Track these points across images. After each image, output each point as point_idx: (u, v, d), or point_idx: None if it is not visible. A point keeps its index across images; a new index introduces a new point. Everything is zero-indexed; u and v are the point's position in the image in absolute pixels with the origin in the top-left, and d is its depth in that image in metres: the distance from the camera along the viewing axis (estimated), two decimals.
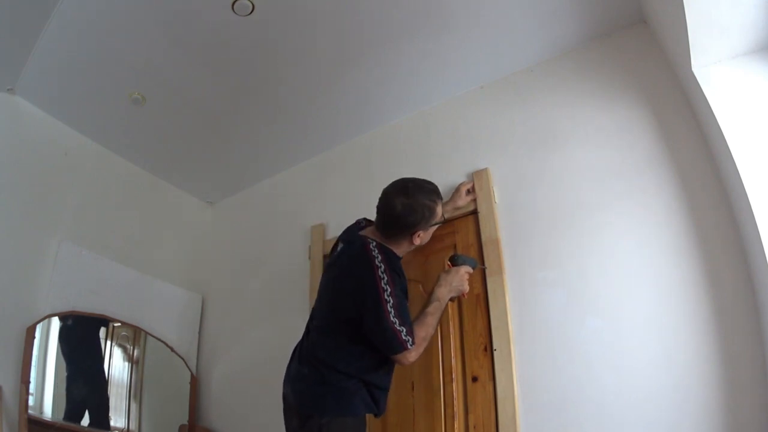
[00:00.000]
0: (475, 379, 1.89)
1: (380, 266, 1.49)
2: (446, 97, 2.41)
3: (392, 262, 1.56)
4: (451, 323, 2.02)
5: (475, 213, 2.11)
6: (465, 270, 1.69)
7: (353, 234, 1.69)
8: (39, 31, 1.99)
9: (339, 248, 1.71)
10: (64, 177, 2.46)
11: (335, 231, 2.48)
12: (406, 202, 1.57)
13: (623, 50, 2.01)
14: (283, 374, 1.64)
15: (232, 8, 1.91)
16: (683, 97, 1.80)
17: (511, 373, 1.80)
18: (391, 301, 1.45)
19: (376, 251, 1.53)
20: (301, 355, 1.59)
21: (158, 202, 2.94)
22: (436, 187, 1.66)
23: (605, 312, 1.72)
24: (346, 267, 1.60)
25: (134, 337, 2.52)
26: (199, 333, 2.86)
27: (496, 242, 2.00)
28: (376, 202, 2.39)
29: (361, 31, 2.06)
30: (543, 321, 1.83)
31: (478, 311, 1.97)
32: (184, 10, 1.93)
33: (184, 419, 2.56)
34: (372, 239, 1.60)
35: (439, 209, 1.64)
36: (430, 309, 1.57)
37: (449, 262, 1.73)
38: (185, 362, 2.68)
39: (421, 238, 1.63)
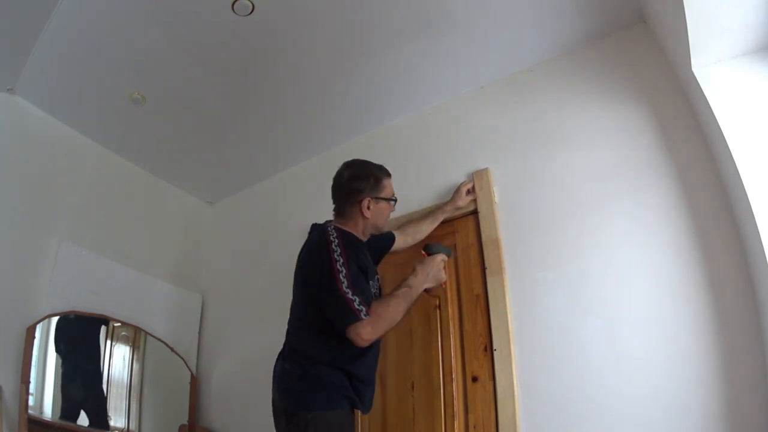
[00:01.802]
0: (475, 379, 1.89)
1: (334, 241, 1.51)
2: (446, 97, 2.41)
3: (350, 240, 1.57)
4: (451, 323, 2.02)
5: (475, 213, 2.11)
6: (441, 258, 1.62)
7: (315, 225, 1.72)
8: (39, 31, 1.99)
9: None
10: (64, 177, 2.46)
11: None
12: (352, 170, 1.70)
13: (623, 50, 2.01)
14: None
15: (232, 8, 1.91)
16: (683, 97, 1.80)
17: (511, 373, 1.80)
18: (344, 271, 1.44)
19: (333, 231, 1.56)
20: (284, 354, 1.59)
21: (158, 202, 2.95)
22: (385, 168, 1.74)
23: (605, 312, 1.72)
24: (305, 256, 1.62)
25: (134, 337, 2.52)
26: (199, 333, 2.86)
27: (496, 242, 2.00)
28: None
29: (362, 31, 2.06)
30: (543, 321, 1.83)
31: (478, 311, 1.97)
32: (184, 10, 1.93)
33: (184, 419, 2.56)
34: (330, 223, 1.64)
35: (387, 183, 1.71)
36: (398, 292, 1.50)
37: (424, 252, 1.66)
38: (185, 362, 2.68)
39: (372, 211, 1.66)
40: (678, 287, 1.63)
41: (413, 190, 2.32)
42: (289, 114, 2.51)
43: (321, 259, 1.50)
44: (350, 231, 1.64)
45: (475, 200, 2.11)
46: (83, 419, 2.21)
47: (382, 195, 1.69)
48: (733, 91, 1.52)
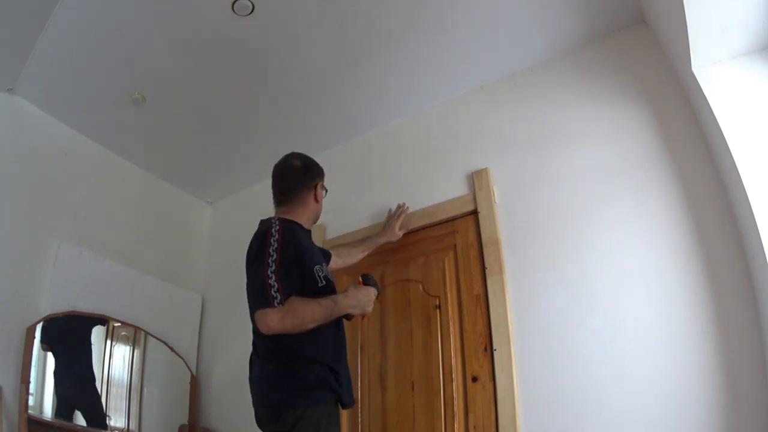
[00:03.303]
0: (475, 379, 1.89)
1: (275, 235, 1.50)
2: (446, 97, 2.41)
3: (292, 231, 1.55)
4: (451, 323, 2.02)
5: (475, 213, 2.11)
6: (374, 291, 1.63)
7: (263, 221, 1.67)
8: (39, 31, 1.99)
9: None
10: (64, 177, 2.46)
11: (335, 231, 2.48)
12: (303, 158, 1.76)
13: (623, 50, 2.01)
14: None
15: (232, 8, 1.91)
16: (683, 97, 1.80)
17: (511, 373, 1.80)
18: (275, 256, 1.45)
19: (277, 224, 1.54)
20: (259, 356, 1.56)
21: (158, 202, 2.95)
22: None
23: (605, 312, 1.72)
24: (249, 246, 1.57)
25: (134, 337, 2.52)
26: (199, 333, 2.86)
27: (496, 242, 2.00)
28: (376, 202, 2.41)
29: (361, 31, 2.06)
30: (543, 321, 1.83)
31: (478, 311, 1.97)
32: (184, 10, 1.93)
33: (184, 419, 2.56)
34: (276, 217, 1.62)
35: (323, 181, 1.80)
36: (323, 301, 1.47)
37: (360, 279, 1.66)
38: (185, 362, 2.68)
39: (320, 196, 1.72)
40: (678, 287, 1.63)
41: (413, 191, 2.31)
42: (289, 114, 2.51)
43: (258, 244, 1.51)
44: (295, 221, 1.64)
45: (475, 199, 2.12)
46: (79, 419, 2.20)
47: (324, 183, 1.77)
48: (733, 91, 1.52)
